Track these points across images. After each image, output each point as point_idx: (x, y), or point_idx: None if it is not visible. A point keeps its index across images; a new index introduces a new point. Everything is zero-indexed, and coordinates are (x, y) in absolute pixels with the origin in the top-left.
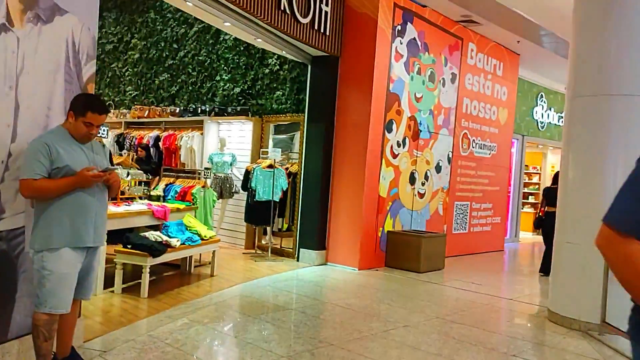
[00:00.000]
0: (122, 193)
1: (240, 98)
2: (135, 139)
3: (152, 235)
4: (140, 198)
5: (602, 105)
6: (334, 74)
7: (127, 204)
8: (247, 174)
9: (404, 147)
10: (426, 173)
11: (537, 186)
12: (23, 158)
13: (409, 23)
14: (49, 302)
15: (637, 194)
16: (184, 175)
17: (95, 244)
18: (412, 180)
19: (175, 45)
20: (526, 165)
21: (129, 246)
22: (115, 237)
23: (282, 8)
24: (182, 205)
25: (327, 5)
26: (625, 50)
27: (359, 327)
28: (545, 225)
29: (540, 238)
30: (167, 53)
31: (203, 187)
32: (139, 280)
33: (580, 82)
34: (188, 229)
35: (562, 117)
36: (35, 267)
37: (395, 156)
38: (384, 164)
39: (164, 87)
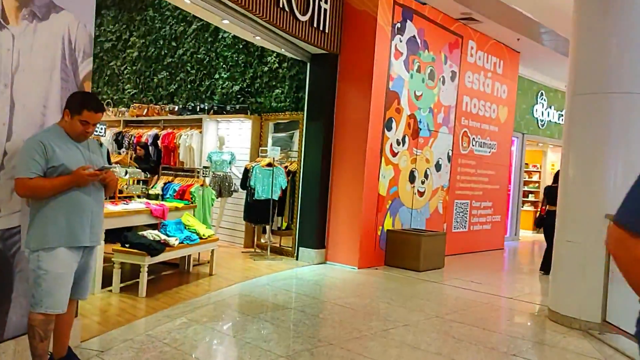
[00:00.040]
0: (121, 192)
1: (239, 96)
2: (134, 137)
3: (151, 234)
4: (139, 197)
5: (603, 103)
6: (333, 72)
7: (125, 202)
8: (246, 173)
9: (403, 145)
10: (426, 171)
11: (537, 184)
12: (18, 157)
13: (408, 20)
14: (45, 302)
15: None
16: (182, 173)
17: (91, 243)
18: (412, 178)
19: (174, 43)
20: (526, 164)
21: (127, 245)
22: (113, 236)
23: (281, 5)
24: (180, 204)
25: (326, 2)
26: (625, 47)
27: (358, 326)
28: (546, 223)
29: (540, 236)
30: (165, 51)
31: (202, 185)
32: (137, 280)
33: (581, 80)
34: (186, 227)
35: (562, 115)
36: (31, 267)
37: (394, 154)
38: (383, 163)
39: (163, 85)
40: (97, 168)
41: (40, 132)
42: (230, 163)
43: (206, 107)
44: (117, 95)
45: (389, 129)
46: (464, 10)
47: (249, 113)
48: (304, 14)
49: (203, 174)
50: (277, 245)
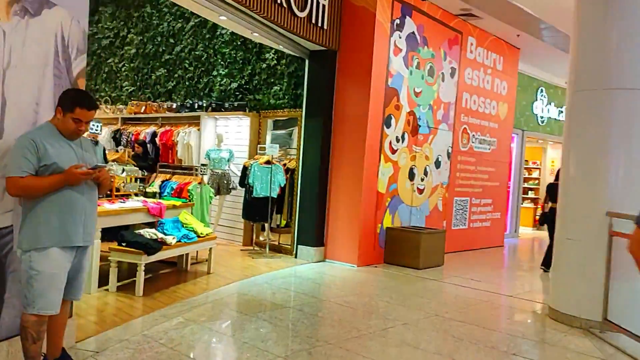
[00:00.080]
0: (118, 190)
1: (237, 93)
2: (132, 134)
3: (148, 232)
4: (136, 195)
5: (604, 100)
6: (331, 68)
7: (122, 200)
8: (245, 170)
9: (403, 142)
10: (425, 168)
11: (537, 181)
12: (9, 155)
13: (407, 17)
14: (37, 303)
15: None
16: (180, 171)
17: (84, 243)
18: (411, 175)
19: (171, 40)
20: (526, 161)
21: (123, 244)
22: (110, 234)
23: (279, 1)
24: (178, 202)
25: None
26: (626, 43)
27: (357, 325)
28: (549, 220)
29: (540, 233)
30: (163, 48)
31: (199, 183)
32: (134, 279)
33: (582, 76)
34: (184, 226)
35: (562, 112)
36: (23, 267)
37: (394, 152)
38: (382, 160)
39: (161, 82)
40: (90, 166)
41: (32, 130)
42: (228, 161)
43: (204, 105)
44: (114, 92)
45: (388, 126)
46: (464, 6)
47: (247, 110)
48: (302, 10)
49: (201, 171)
50: (276, 243)
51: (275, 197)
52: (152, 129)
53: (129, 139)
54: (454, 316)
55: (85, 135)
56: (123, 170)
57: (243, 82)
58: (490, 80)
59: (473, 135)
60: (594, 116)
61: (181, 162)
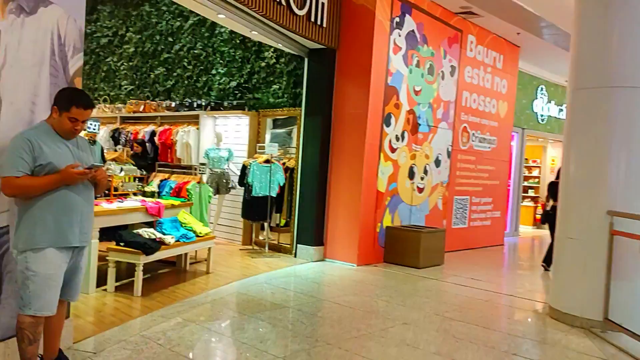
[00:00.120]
0: (116, 189)
1: (236, 92)
2: (131, 134)
3: (146, 232)
4: (135, 194)
5: (605, 98)
6: (331, 67)
7: (120, 200)
8: (244, 169)
9: (402, 141)
10: (425, 167)
11: (537, 180)
12: (5, 155)
13: (407, 15)
14: (34, 304)
15: None
16: (179, 170)
17: (81, 243)
18: (411, 174)
19: (170, 39)
20: (526, 159)
21: (121, 244)
22: (108, 234)
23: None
24: (176, 202)
25: None
26: (627, 41)
27: (357, 325)
28: (551, 219)
29: (540, 232)
30: (162, 46)
31: (198, 182)
32: (133, 279)
33: (582, 74)
34: (183, 225)
35: (562, 110)
36: (19, 268)
37: (393, 150)
38: (382, 159)
39: (160, 81)
40: (86, 166)
41: (27, 130)
42: (227, 160)
43: (203, 103)
44: (113, 91)
45: (388, 124)
46: (464, 4)
47: (246, 109)
48: (301, 8)
49: (200, 171)
50: (276, 242)
51: (275, 196)
52: (151, 128)
53: (127, 138)
54: (454, 316)
55: (82, 134)
56: (121, 169)
57: (242, 81)
58: (490, 79)
59: (473, 133)
60: (594, 114)
61: (180, 161)
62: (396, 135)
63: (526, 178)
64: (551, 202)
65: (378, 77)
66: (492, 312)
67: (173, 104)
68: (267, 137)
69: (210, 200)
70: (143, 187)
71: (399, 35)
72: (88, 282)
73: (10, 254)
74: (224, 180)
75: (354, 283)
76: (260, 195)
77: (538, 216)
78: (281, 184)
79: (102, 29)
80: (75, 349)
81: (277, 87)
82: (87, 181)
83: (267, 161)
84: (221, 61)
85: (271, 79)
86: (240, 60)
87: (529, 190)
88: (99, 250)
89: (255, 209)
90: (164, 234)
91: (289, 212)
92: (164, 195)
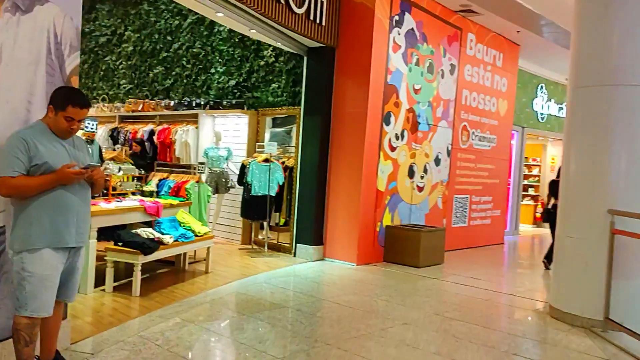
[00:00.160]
0: (114, 189)
1: (235, 91)
2: (130, 133)
3: (144, 232)
4: (133, 194)
5: (605, 96)
6: (330, 65)
7: (118, 200)
8: (243, 169)
9: (402, 139)
10: (425, 166)
11: (537, 178)
12: (0, 155)
13: (406, 13)
14: (30, 305)
15: None
16: (177, 170)
17: (77, 244)
18: (411, 173)
19: (169, 37)
20: (526, 158)
21: (119, 244)
22: (107, 234)
23: None
24: (175, 201)
25: None
26: (628, 39)
27: (356, 325)
28: (552, 218)
29: (540, 230)
30: (161, 45)
31: (197, 182)
32: (131, 279)
33: (583, 72)
34: (181, 225)
35: (562, 109)
36: (15, 269)
37: (393, 149)
38: (382, 157)
39: (158, 80)
40: (82, 166)
41: (23, 129)
42: (227, 159)
43: (202, 102)
44: (112, 90)
45: (388, 123)
46: (463, 2)
47: (245, 108)
48: (300, 6)
49: (198, 170)
50: (275, 241)
51: (274, 195)
52: (149, 127)
53: (126, 137)
54: (454, 315)
55: (80, 134)
56: (119, 169)
57: (241, 80)
58: (490, 77)
59: (473, 132)
60: (595, 113)
61: (179, 161)
62: (396, 134)
63: (526, 177)
64: (552, 201)
65: (377, 76)
66: (492, 312)
67: (172, 103)
68: (267, 136)
69: (209, 199)
70: (141, 186)
71: (399, 34)
72: (86, 282)
73: (6, 255)
74: (223, 180)
75: (354, 282)
76: (259, 194)
77: (538, 215)
78: (280, 183)
79: (101, 28)
80: (73, 349)
81: (276, 85)
82: (83, 181)
83: (266, 160)
84: (220, 60)
85: (270, 77)
86: (239, 59)
87: (529, 189)
88: (97, 250)
89: (255, 208)
90: (162, 233)
91: (288, 212)
92: (163, 194)
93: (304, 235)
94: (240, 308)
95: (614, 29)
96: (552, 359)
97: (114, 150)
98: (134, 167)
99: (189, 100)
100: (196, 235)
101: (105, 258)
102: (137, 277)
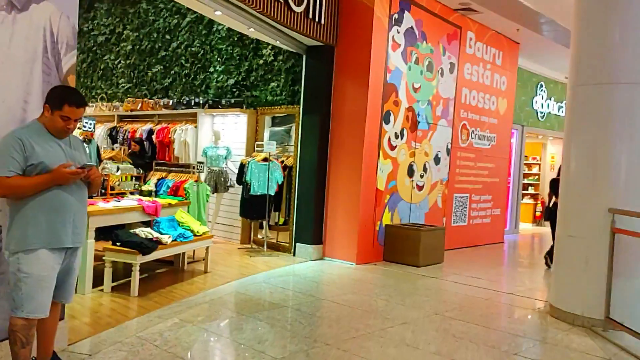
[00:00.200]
0: (112, 188)
1: (234, 90)
2: (129, 132)
3: (143, 231)
4: (132, 193)
5: (606, 94)
6: (329, 64)
7: (117, 199)
8: (242, 168)
9: (401, 138)
10: (425, 165)
11: (537, 177)
12: None
13: (406, 11)
14: (26, 307)
15: None
16: (176, 169)
17: (74, 244)
18: (411, 172)
19: (167, 36)
20: (526, 156)
21: (118, 243)
22: (105, 234)
23: None
24: (174, 201)
25: None
26: (628, 36)
27: (355, 325)
28: (554, 216)
29: (540, 229)
30: (159, 44)
31: (196, 181)
32: (130, 279)
33: (583, 70)
34: (180, 224)
35: (562, 107)
36: (11, 270)
37: (393, 148)
38: (381, 156)
39: (157, 79)
40: (79, 165)
41: (18, 128)
42: (226, 158)
43: (201, 101)
44: (110, 89)
45: (387, 122)
46: (463, 1)
47: (244, 107)
48: (298, 5)
49: (197, 169)
50: (274, 241)
51: (273, 194)
52: (148, 126)
53: (125, 137)
54: (454, 315)
55: (77, 133)
56: (118, 168)
57: (240, 79)
58: (489, 76)
59: (472, 131)
60: (595, 111)
61: (178, 160)
62: (395, 132)
63: (526, 175)
64: (554, 199)
65: (377, 74)
66: (493, 311)
67: (171, 102)
68: (266, 135)
69: (208, 199)
70: (140, 186)
71: (398, 32)
72: (84, 283)
73: (2, 255)
74: (222, 179)
75: (353, 282)
76: (258, 193)
77: (538, 213)
78: (279, 182)
79: (99, 27)
80: (70, 350)
81: (275, 84)
82: (80, 181)
83: (265, 159)
84: (219, 59)
85: (269, 76)
86: (238, 57)
87: (529, 188)
88: (96, 250)
89: (254, 208)
90: (161, 233)
91: (288, 211)
92: (161, 194)
93: (303, 234)
94: (239, 308)
95: (614, 27)
96: (553, 358)
97: (113, 149)
98: (132, 166)
99: (187, 99)
100: (195, 235)
101: (104, 258)
102: (136, 277)
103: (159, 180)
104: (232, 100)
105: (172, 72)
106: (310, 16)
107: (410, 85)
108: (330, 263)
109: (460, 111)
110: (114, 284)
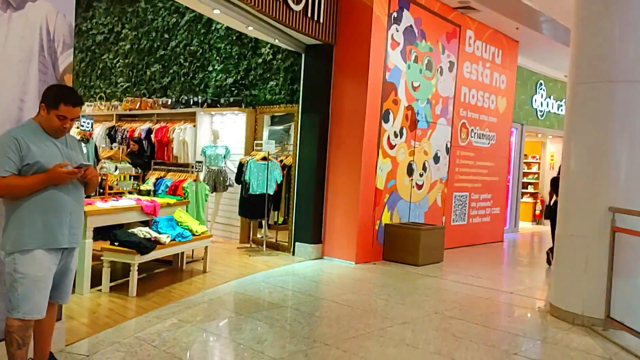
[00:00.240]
0: (111, 188)
1: (233, 89)
2: (127, 131)
3: (141, 231)
4: (130, 193)
5: (605, 92)
6: (328, 63)
7: (115, 199)
8: (241, 167)
9: (401, 137)
10: (424, 164)
11: (536, 176)
12: None
13: (405, 10)
14: (22, 307)
15: None
16: (175, 168)
17: (70, 244)
18: (410, 171)
19: (166, 35)
20: (525, 155)
21: (116, 243)
22: (103, 233)
23: None
24: (172, 200)
25: None
26: (628, 34)
27: (355, 325)
28: (554, 214)
29: (540, 228)
30: (158, 43)
31: (195, 180)
32: (128, 279)
33: (583, 68)
34: (179, 224)
35: (561, 106)
36: (7, 270)
37: (392, 147)
38: (380, 155)
39: (156, 78)
40: (75, 165)
41: (14, 128)
42: (224, 157)
43: (200, 101)
44: (109, 89)
45: (386, 121)
46: None
47: (243, 106)
48: (297, 3)
49: (196, 168)
50: (273, 240)
51: (272, 193)
52: (147, 125)
53: (124, 136)
54: (453, 314)
55: (75, 132)
56: (116, 167)
57: (239, 78)
58: (489, 74)
59: (472, 129)
60: (595, 109)
61: (177, 159)
62: (394, 131)
63: (525, 174)
64: (554, 197)
65: (376, 73)
66: (492, 310)
67: (169, 101)
68: (265, 134)
69: (207, 198)
70: (138, 185)
71: (397, 31)
72: (82, 283)
73: None
74: (221, 178)
75: (353, 281)
76: (257, 193)
77: (538, 212)
78: (278, 182)
79: (98, 26)
80: (68, 351)
81: (274, 83)
82: (76, 180)
83: (264, 158)
84: (217, 58)
85: (268, 75)
86: (236, 56)
87: (529, 186)
88: (94, 250)
89: (253, 207)
90: (159, 233)
91: (287, 210)
92: (160, 193)
93: (303, 233)
94: (238, 308)
95: (614, 25)
96: (553, 358)
97: (112, 149)
98: (130, 166)
99: (186, 98)
100: (194, 235)
101: (102, 258)
102: (134, 277)
103: (157, 179)
104: (231, 99)
105: (171, 71)
106: (309, 15)
107: (410, 83)
108: (329, 262)
109: (459, 110)
110: (112, 284)
